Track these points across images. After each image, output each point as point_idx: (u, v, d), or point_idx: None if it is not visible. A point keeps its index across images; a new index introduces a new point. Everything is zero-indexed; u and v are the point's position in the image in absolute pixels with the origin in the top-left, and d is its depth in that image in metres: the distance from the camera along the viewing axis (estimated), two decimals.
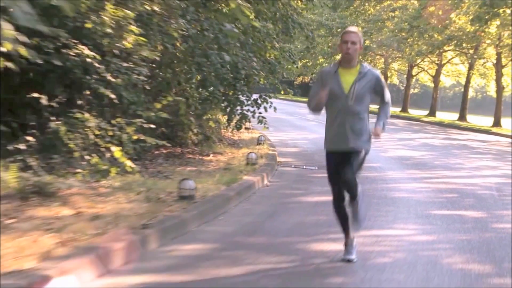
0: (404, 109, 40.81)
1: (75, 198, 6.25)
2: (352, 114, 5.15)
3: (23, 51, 6.13)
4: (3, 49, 6.51)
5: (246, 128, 15.94)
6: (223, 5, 10.82)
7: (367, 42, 33.24)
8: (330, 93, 5.14)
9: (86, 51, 8.15)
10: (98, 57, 8.29)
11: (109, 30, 7.54)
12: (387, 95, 5.41)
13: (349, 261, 5.27)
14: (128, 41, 7.35)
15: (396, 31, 32.57)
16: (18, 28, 4.49)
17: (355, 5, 34.35)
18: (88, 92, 9.67)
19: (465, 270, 5.30)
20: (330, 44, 33.37)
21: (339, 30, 32.88)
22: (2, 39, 4.31)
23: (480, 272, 5.31)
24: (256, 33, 10.90)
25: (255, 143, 13.94)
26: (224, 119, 14.24)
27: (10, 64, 6.67)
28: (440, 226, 7.19)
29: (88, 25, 6.88)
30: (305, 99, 32.91)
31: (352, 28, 5.39)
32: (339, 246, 5.53)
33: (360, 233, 6.33)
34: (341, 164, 5.16)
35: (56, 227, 4.94)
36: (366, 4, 35.25)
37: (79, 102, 9.42)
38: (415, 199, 8.96)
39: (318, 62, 35.59)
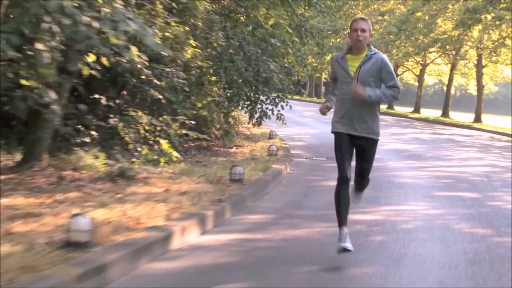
0: (390, 106, 42.59)
1: (152, 180, 7.60)
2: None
3: (106, 61, 7.54)
4: (89, 60, 7.91)
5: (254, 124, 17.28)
6: (241, 16, 12.27)
7: None
8: (338, 79, 5.25)
9: (137, 58, 9.51)
10: (146, 63, 9.66)
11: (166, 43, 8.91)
12: (393, 82, 5.16)
13: (345, 250, 5.13)
14: (188, 53, 8.68)
15: (385, 34, 34.25)
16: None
17: (344, 9, 36.00)
18: (125, 92, 11.08)
19: (472, 233, 6.78)
20: None
21: (329, 32, 34.40)
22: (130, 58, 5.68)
23: (484, 234, 6.79)
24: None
25: (267, 138, 15.30)
26: (239, 116, 15.63)
27: (94, 72, 8.02)
28: (445, 203, 8.66)
29: (157, 39, 8.17)
30: (298, 97, 33.95)
31: (361, 16, 5.84)
32: (371, 217, 6.98)
33: (382, 208, 7.87)
34: (350, 149, 5.25)
35: (160, 199, 6.32)
36: (354, 8, 36.91)
37: (118, 101, 10.81)
38: (418, 184, 10.43)
39: (308, 61, 37.04)
